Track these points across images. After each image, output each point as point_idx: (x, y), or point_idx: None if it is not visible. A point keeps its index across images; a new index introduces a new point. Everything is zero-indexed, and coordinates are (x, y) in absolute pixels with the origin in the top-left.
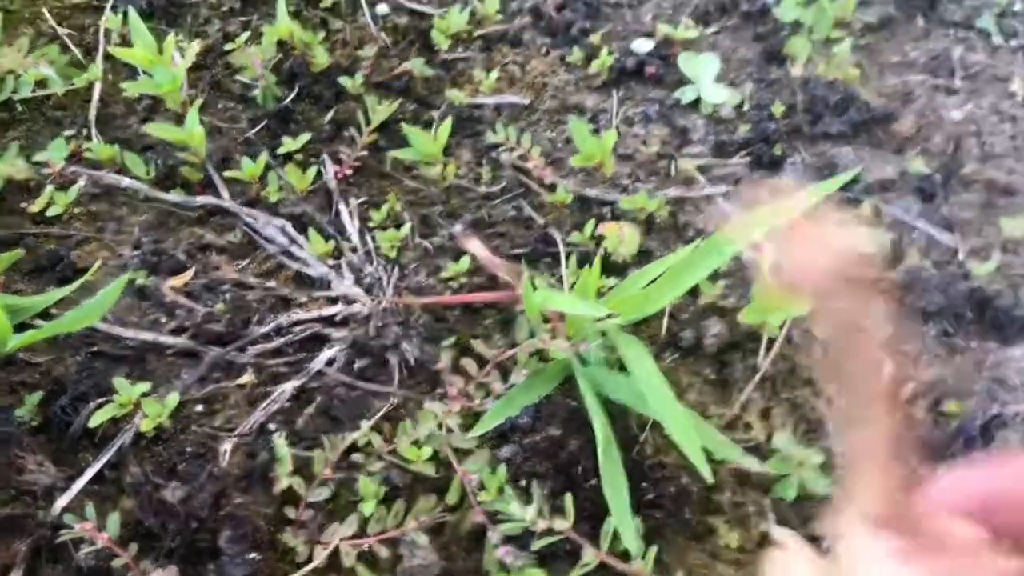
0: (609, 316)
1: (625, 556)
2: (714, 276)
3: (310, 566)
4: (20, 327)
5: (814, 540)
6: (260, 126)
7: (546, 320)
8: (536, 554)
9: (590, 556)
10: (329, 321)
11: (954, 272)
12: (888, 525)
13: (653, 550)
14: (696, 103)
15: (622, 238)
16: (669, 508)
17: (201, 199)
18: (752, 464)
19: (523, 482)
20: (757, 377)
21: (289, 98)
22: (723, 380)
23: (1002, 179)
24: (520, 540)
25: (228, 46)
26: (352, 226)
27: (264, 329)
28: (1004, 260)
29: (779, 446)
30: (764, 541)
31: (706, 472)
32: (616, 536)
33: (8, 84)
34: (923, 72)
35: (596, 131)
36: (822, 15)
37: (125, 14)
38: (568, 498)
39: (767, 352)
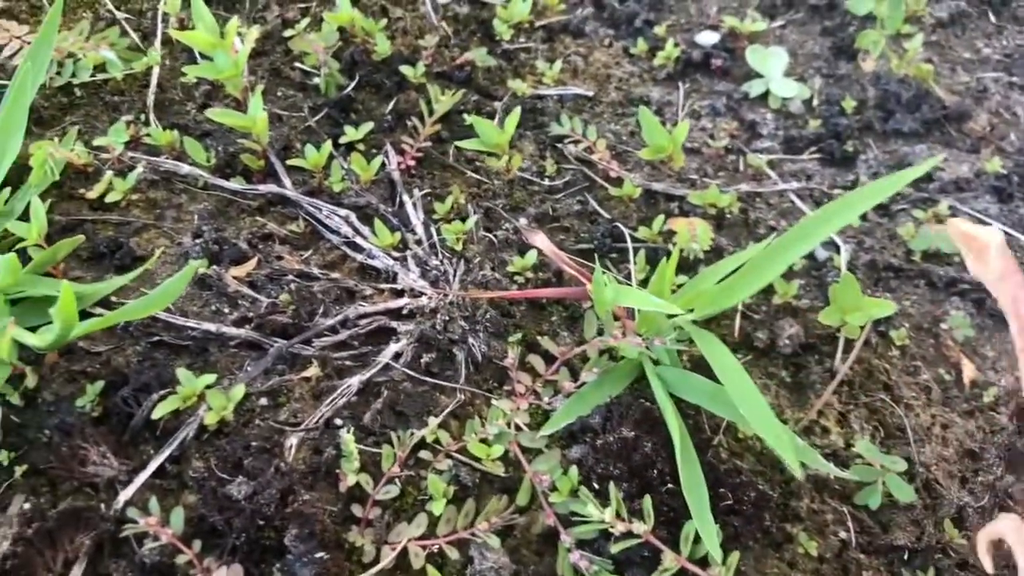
0: (688, 311)
1: (704, 562)
2: (788, 275)
3: (378, 567)
4: (81, 315)
5: (894, 549)
6: (321, 114)
7: (615, 317)
8: (612, 559)
9: (670, 561)
10: (395, 314)
11: None
12: None
13: (734, 556)
14: (764, 97)
15: (694, 234)
16: (748, 515)
17: (263, 188)
18: (835, 471)
19: (596, 484)
20: (835, 381)
21: (350, 87)
22: (798, 383)
23: None
24: (594, 544)
25: (287, 32)
26: (416, 218)
27: (330, 321)
28: None
29: (862, 452)
30: (843, 550)
31: (796, 467)
32: (695, 541)
33: (68, 68)
34: (996, 69)
35: (662, 123)
36: (896, 8)
37: None
38: (647, 501)
39: (846, 355)
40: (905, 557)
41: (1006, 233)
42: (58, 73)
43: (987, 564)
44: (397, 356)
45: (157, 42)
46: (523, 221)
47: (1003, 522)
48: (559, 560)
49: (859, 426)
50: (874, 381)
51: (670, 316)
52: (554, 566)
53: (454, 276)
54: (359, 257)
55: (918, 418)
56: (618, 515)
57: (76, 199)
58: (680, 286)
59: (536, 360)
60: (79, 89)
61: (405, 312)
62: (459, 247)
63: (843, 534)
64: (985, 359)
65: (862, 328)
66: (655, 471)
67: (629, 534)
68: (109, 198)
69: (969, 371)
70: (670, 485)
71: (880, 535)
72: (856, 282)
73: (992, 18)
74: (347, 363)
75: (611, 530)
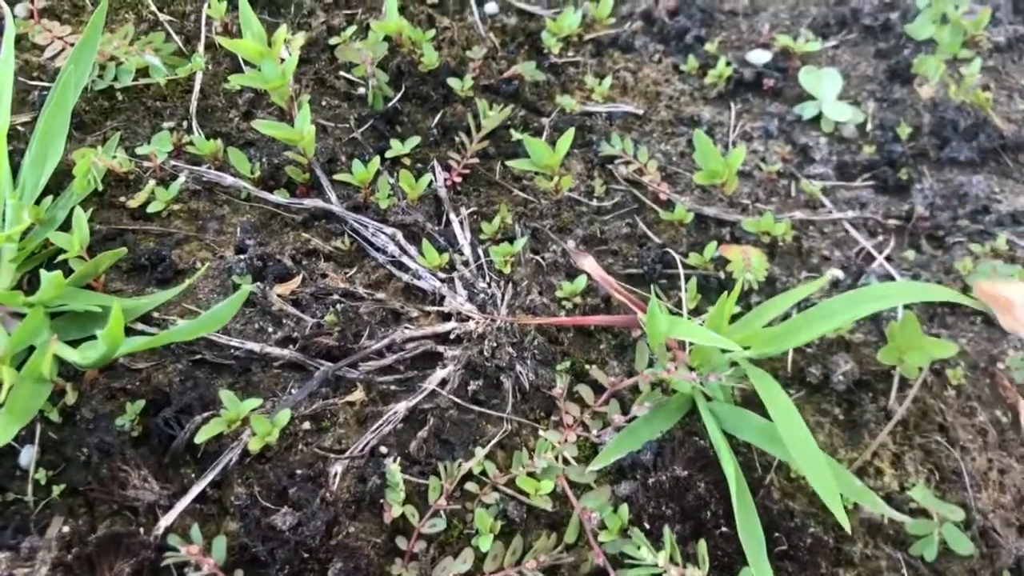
0: (745, 348)
1: None
2: None
3: None
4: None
5: None
6: (366, 126)
7: (667, 348)
8: None
9: None
10: (442, 339)
11: None
12: None
13: None
14: (817, 120)
15: (748, 264)
16: (803, 560)
17: (308, 202)
18: (896, 515)
19: (647, 524)
20: (892, 422)
21: (396, 98)
22: (852, 421)
23: None
24: None
25: (332, 40)
26: (463, 238)
27: (376, 345)
28: None
29: (917, 499)
30: None
31: (844, 521)
32: None
33: (110, 71)
34: None
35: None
36: (955, 33)
37: (229, 1)
38: (702, 544)
39: (901, 394)
40: None
41: None
42: (100, 76)
43: None
44: (444, 382)
45: (201, 47)
46: (571, 243)
47: None
48: None
49: (914, 468)
50: (929, 421)
51: (724, 351)
52: None
53: (502, 300)
54: (405, 277)
55: (974, 462)
56: (672, 559)
57: (116, 207)
58: (734, 317)
59: (585, 390)
60: (121, 93)
61: (452, 337)
62: (507, 269)
63: None
64: None
65: (920, 369)
66: (708, 512)
67: None
68: (151, 208)
69: None
70: (724, 528)
71: None
72: (917, 322)
73: None
74: (392, 388)
75: (664, 575)
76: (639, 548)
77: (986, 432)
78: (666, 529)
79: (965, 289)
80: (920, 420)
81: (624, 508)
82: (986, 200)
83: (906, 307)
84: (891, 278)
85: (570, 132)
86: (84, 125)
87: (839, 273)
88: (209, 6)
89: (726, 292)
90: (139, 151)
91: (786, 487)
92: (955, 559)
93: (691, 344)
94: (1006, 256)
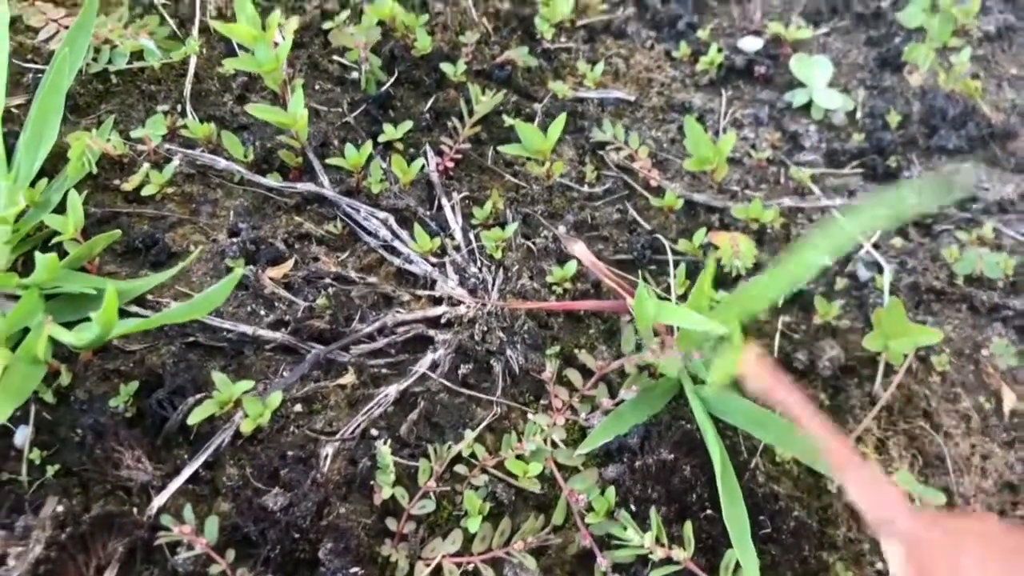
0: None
1: None
2: (829, 295)
3: None
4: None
5: None
6: (359, 110)
7: (655, 333)
8: None
9: None
10: (433, 323)
11: None
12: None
13: None
14: (807, 107)
15: (736, 250)
16: (786, 543)
17: (300, 186)
18: None
19: (633, 506)
20: (877, 408)
21: (389, 83)
22: (837, 406)
23: None
24: (630, 569)
25: (326, 24)
26: (455, 222)
27: (368, 328)
28: None
29: (899, 483)
30: None
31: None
32: (736, 570)
33: (104, 55)
34: None
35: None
36: (946, 22)
37: None
38: (688, 526)
39: (886, 379)
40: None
41: None
42: (94, 59)
43: None
44: (434, 366)
45: (195, 31)
46: (562, 229)
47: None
48: None
49: (898, 453)
50: (913, 407)
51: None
52: None
53: (493, 285)
54: (396, 261)
55: (957, 447)
56: (658, 540)
57: (111, 190)
58: (719, 302)
59: (574, 374)
60: (115, 77)
61: (443, 321)
62: (498, 255)
63: (880, 565)
64: None
65: (905, 355)
66: (694, 495)
67: (668, 560)
68: (145, 191)
69: (1010, 400)
70: (709, 511)
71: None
72: (902, 307)
73: None
74: (383, 371)
75: (650, 556)
76: (625, 529)
77: (969, 418)
78: (652, 511)
79: (951, 276)
80: (905, 406)
81: (611, 490)
82: (973, 188)
83: (892, 293)
84: (878, 266)
85: (561, 117)
86: (79, 108)
87: (826, 259)
88: None
89: (703, 274)
90: (133, 134)
91: (771, 471)
92: None
93: (678, 328)
94: (992, 244)
